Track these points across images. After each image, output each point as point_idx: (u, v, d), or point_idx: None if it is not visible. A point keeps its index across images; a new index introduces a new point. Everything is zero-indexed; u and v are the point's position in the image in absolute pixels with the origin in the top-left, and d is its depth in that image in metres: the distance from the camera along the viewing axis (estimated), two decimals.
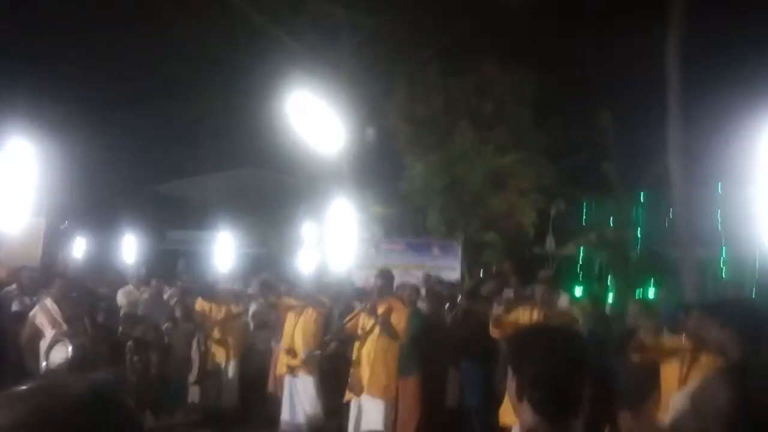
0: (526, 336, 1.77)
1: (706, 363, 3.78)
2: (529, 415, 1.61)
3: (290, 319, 6.91)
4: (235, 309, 7.66)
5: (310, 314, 6.85)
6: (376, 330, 5.73)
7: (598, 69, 15.19)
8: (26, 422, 0.76)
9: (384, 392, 5.74)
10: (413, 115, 14.37)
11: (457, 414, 6.24)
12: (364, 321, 5.83)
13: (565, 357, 1.61)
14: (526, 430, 1.61)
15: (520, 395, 1.63)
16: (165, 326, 7.51)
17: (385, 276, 6.07)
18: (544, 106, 14.50)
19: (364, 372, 5.70)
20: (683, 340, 4.28)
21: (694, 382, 2.92)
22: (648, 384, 4.58)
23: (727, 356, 2.81)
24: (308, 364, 6.68)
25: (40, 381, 0.85)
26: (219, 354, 7.50)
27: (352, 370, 5.83)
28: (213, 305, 7.57)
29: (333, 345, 7.23)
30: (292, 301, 6.98)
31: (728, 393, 2.50)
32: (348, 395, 5.78)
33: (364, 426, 5.72)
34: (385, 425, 5.69)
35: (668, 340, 4.28)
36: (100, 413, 0.80)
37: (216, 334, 7.48)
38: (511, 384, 1.67)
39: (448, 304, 7.33)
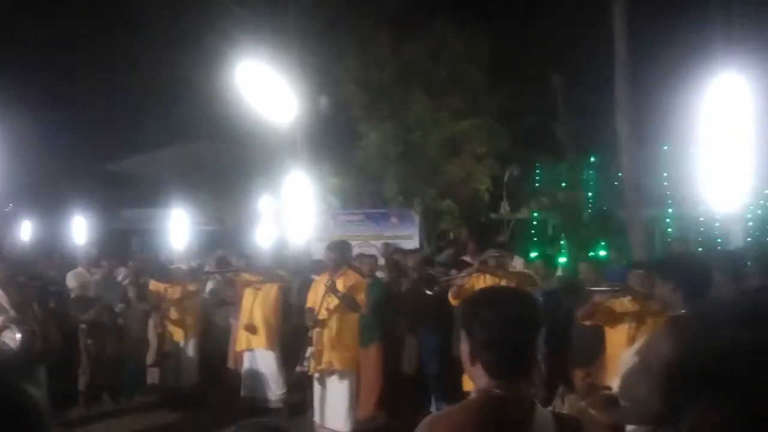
0: (477, 299, 1.76)
1: (654, 321, 3.94)
2: (482, 377, 1.62)
3: (249, 294, 6.86)
4: (191, 287, 7.55)
5: (268, 289, 6.82)
6: (336, 304, 5.75)
7: (548, 32, 15.29)
8: None
9: (347, 364, 5.78)
10: (367, 81, 14.21)
11: (418, 381, 6.36)
12: (323, 295, 5.82)
13: (516, 319, 1.60)
14: (480, 392, 1.62)
15: (472, 358, 1.64)
16: (118, 307, 7.36)
17: (338, 247, 6.06)
18: (496, 70, 14.54)
19: (327, 345, 5.71)
20: (630, 301, 4.43)
21: (642, 340, 3.02)
22: (599, 344, 4.76)
23: (670, 310, 2.93)
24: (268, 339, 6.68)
25: None
26: (177, 334, 7.41)
27: (314, 342, 5.82)
28: (168, 285, 7.44)
29: (293, 318, 7.25)
30: (250, 277, 6.93)
31: (671, 345, 2.59)
32: (313, 367, 5.79)
33: (329, 398, 5.75)
34: (350, 396, 5.75)
35: (617, 302, 4.41)
36: None
37: (173, 314, 7.37)
38: (464, 347, 1.68)
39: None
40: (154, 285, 7.53)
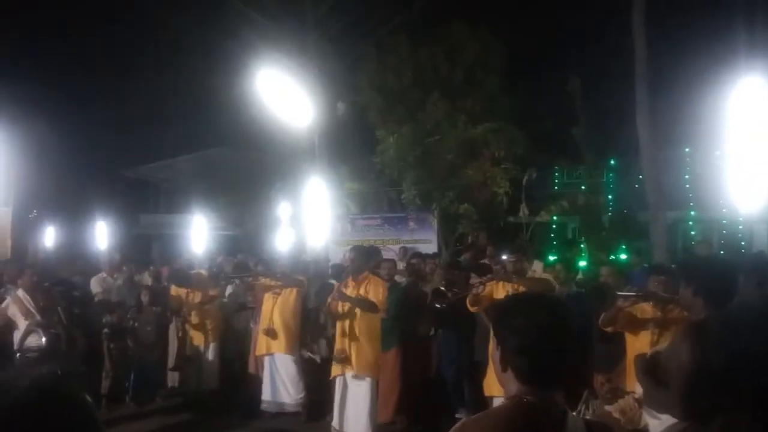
0: (508, 306, 1.75)
1: (676, 328, 3.88)
2: (513, 384, 1.61)
3: (268, 299, 6.90)
4: (212, 292, 7.61)
5: (288, 294, 6.85)
6: (355, 308, 5.76)
7: (565, 35, 15.22)
8: None
9: (370, 369, 5.77)
10: (384, 86, 14.26)
11: (437, 385, 6.34)
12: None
13: (548, 326, 1.60)
14: (511, 399, 1.62)
15: (504, 365, 1.63)
16: (129, 311, 7.44)
17: (359, 250, 6.08)
18: (513, 74, 14.51)
19: (350, 349, 5.71)
20: (652, 307, 4.38)
21: (664, 345, 2.99)
22: (620, 349, 4.70)
23: (692, 314, 2.88)
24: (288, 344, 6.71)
25: None
26: (197, 338, 7.46)
27: (336, 346, 5.84)
28: (189, 291, 7.50)
29: (311, 323, 7.28)
30: (269, 282, 6.96)
31: (689, 349, 2.57)
32: (334, 371, 5.80)
33: (349, 403, 5.73)
34: (371, 401, 5.73)
35: (638, 308, 4.36)
36: (45, 409, 0.78)
37: (194, 318, 7.43)
38: (495, 354, 1.67)
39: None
40: (175, 290, 7.61)
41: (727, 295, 2.83)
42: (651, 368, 2.80)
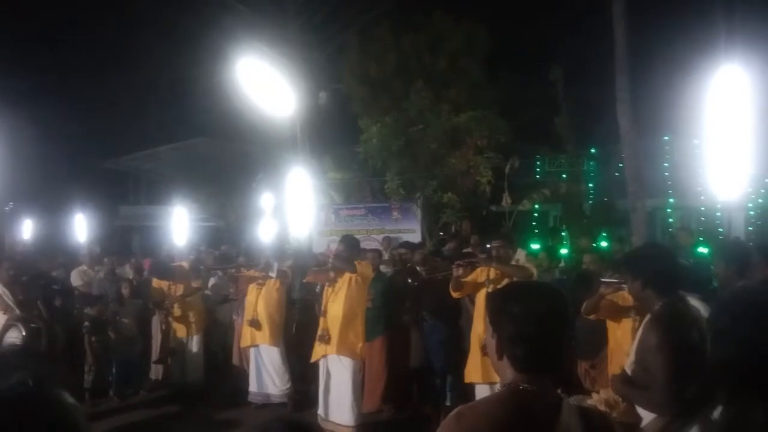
0: (505, 294, 1.76)
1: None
2: (509, 372, 1.63)
3: (252, 290, 6.88)
4: (194, 284, 7.56)
5: (272, 285, 6.83)
6: (344, 291, 5.76)
7: (547, 24, 15.26)
8: None
9: (351, 352, 5.79)
10: (367, 75, 14.19)
11: (422, 374, 6.37)
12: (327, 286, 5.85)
13: (544, 314, 1.61)
14: (507, 386, 1.63)
15: (500, 353, 1.65)
16: (111, 304, 7.37)
17: (349, 241, 6.07)
18: (496, 62, 14.53)
19: (333, 329, 5.72)
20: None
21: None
22: (602, 336, 4.77)
23: (647, 305, 2.93)
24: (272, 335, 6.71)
25: None
26: (181, 330, 7.42)
27: (321, 322, 5.85)
28: (171, 283, 7.45)
29: (296, 314, 7.27)
30: (253, 273, 6.93)
31: (656, 336, 2.62)
32: (317, 353, 5.81)
33: (333, 390, 5.77)
34: (353, 384, 5.75)
35: (619, 295, 4.42)
36: (17, 426, 0.74)
37: (176, 310, 7.38)
38: (490, 342, 1.68)
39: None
40: (157, 282, 7.54)
41: (675, 281, 2.89)
42: (627, 379, 2.85)
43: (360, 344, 5.89)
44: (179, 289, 7.40)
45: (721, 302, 1.57)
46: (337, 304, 5.78)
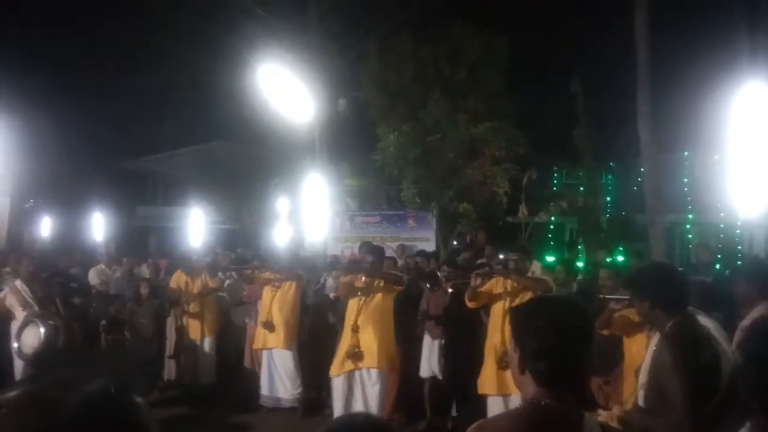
0: (528, 308, 1.76)
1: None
2: (531, 387, 1.62)
3: (267, 292, 6.88)
4: (212, 283, 7.60)
5: (287, 288, 6.83)
6: (377, 304, 5.67)
7: (568, 36, 15.22)
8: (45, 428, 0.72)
9: (389, 365, 5.72)
10: (386, 83, 14.25)
11: (436, 383, 6.34)
12: (360, 296, 5.73)
13: (567, 329, 1.61)
14: (529, 401, 1.63)
15: (522, 367, 1.64)
16: (128, 304, 7.43)
17: (378, 251, 6.01)
18: (516, 74, 14.52)
19: (368, 345, 5.60)
20: None
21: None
22: (617, 352, 4.71)
23: (656, 326, 2.89)
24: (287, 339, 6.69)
25: (26, 391, 0.80)
26: (194, 331, 7.45)
27: (347, 341, 5.65)
28: (189, 278, 7.49)
29: (309, 319, 7.26)
30: (269, 275, 6.93)
31: (670, 358, 2.59)
32: (343, 367, 5.64)
33: (359, 400, 5.59)
34: (381, 397, 5.63)
35: (633, 311, 4.37)
36: (116, 419, 0.76)
37: (192, 309, 7.42)
38: (513, 356, 1.69)
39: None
40: (175, 281, 7.58)
41: (683, 299, 2.86)
42: (641, 410, 2.82)
43: (394, 356, 5.82)
44: (196, 287, 7.44)
45: (753, 327, 1.57)
46: (371, 318, 5.63)
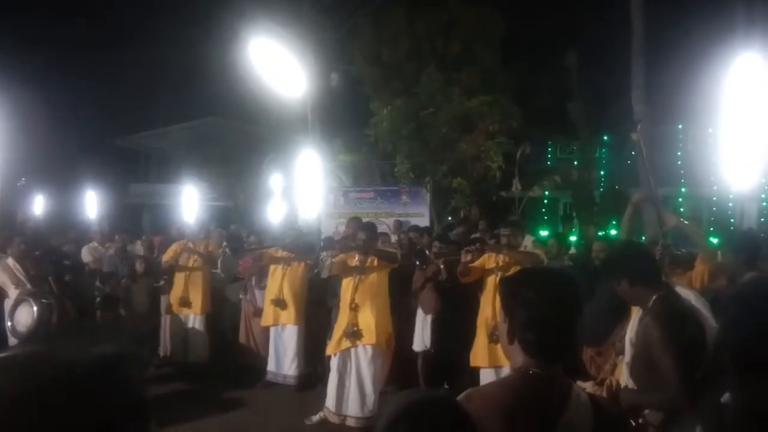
0: (518, 279, 1.77)
1: None
2: (520, 357, 1.64)
3: (277, 270, 6.90)
4: (212, 247, 7.65)
5: (296, 266, 6.86)
6: (373, 282, 5.68)
7: (562, 9, 15.05)
8: (24, 392, 0.71)
9: (387, 341, 5.76)
10: (379, 58, 14.09)
11: (428, 357, 6.40)
12: (354, 274, 5.74)
13: (556, 300, 1.62)
14: (517, 371, 1.64)
15: (511, 338, 1.65)
16: (123, 281, 7.44)
17: (370, 227, 6.02)
18: (510, 48, 14.37)
19: (366, 323, 5.61)
20: None
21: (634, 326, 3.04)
22: (610, 323, 4.76)
23: (638, 303, 2.92)
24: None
25: (32, 348, 0.80)
26: (189, 307, 7.48)
27: (344, 320, 5.68)
28: (191, 242, 7.54)
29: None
30: (279, 253, 6.94)
31: (658, 333, 2.63)
32: (340, 345, 5.66)
33: (354, 377, 5.63)
34: (375, 373, 5.67)
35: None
36: (107, 388, 0.76)
37: (185, 285, 7.44)
38: (502, 327, 1.69)
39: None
40: (176, 245, 7.59)
41: (659, 272, 2.93)
42: (631, 391, 2.84)
43: (391, 333, 5.85)
44: (198, 247, 7.50)
45: (733, 293, 1.59)
46: (367, 296, 5.65)
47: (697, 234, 5.11)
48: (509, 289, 1.71)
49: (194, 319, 7.48)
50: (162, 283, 7.64)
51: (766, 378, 1.27)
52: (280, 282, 6.78)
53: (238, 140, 17.12)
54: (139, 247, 8.98)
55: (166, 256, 7.56)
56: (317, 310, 6.90)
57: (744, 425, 1.37)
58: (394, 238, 8.59)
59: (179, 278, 7.50)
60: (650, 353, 2.67)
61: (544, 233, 10.67)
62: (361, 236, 5.76)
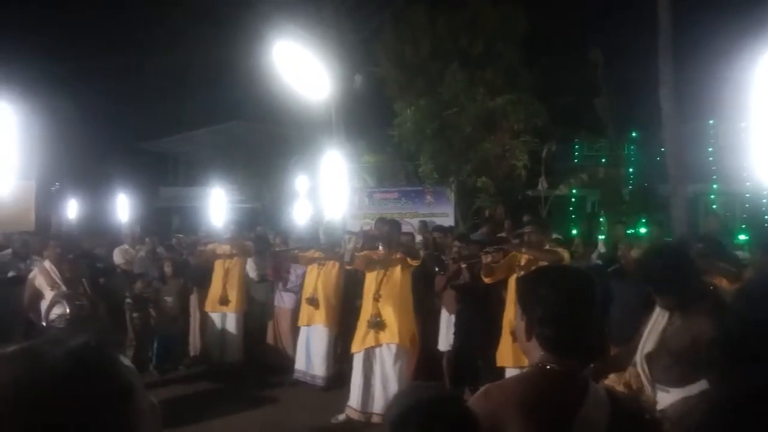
0: (534, 277, 1.79)
1: None
2: (537, 353, 1.66)
3: (312, 270, 7.00)
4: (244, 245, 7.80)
5: (330, 267, 6.94)
6: (396, 274, 5.73)
7: (588, 5, 14.86)
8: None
9: (410, 340, 5.80)
10: (402, 58, 14.10)
11: (452, 357, 6.39)
12: (379, 271, 5.81)
13: (573, 296, 1.63)
14: (535, 366, 1.66)
15: (528, 334, 1.67)
16: (152, 282, 7.61)
17: (395, 225, 6.07)
18: (535, 45, 14.24)
19: (389, 317, 5.67)
20: None
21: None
22: (638, 321, 4.70)
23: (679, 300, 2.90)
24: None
25: (19, 346, 0.82)
26: (226, 305, 7.61)
27: (368, 311, 5.76)
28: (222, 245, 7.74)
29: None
30: (314, 254, 7.02)
31: (709, 324, 2.61)
32: (365, 342, 5.72)
33: (380, 375, 5.67)
34: (401, 373, 5.71)
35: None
36: (81, 379, 0.77)
37: (223, 284, 7.59)
38: (519, 324, 1.71)
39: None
40: (213, 246, 7.83)
41: (699, 278, 2.90)
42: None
43: (414, 332, 5.88)
44: (228, 249, 7.72)
45: (739, 288, 1.59)
46: (391, 292, 5.71)
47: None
48: (525, 286, 1.73)
49: (229, 318, 7.61)
50: (190, 285, 7.81)
51: (755, 370, 1.27)
52: (315, 281, 6.89)
53: (263, 143, 17.30)
54: (174, 245, 9.20)
55: (202, 257, 7.76)
56: (347, 310, 6.95)
57: (727, 417, 1.36)
58: (419, 238, 8.60)
59: (217, 277, 7.66)
60: (698, 349, 2.64)
61: (572, 232, 10.56)
62: (384, 228, 5.83)
